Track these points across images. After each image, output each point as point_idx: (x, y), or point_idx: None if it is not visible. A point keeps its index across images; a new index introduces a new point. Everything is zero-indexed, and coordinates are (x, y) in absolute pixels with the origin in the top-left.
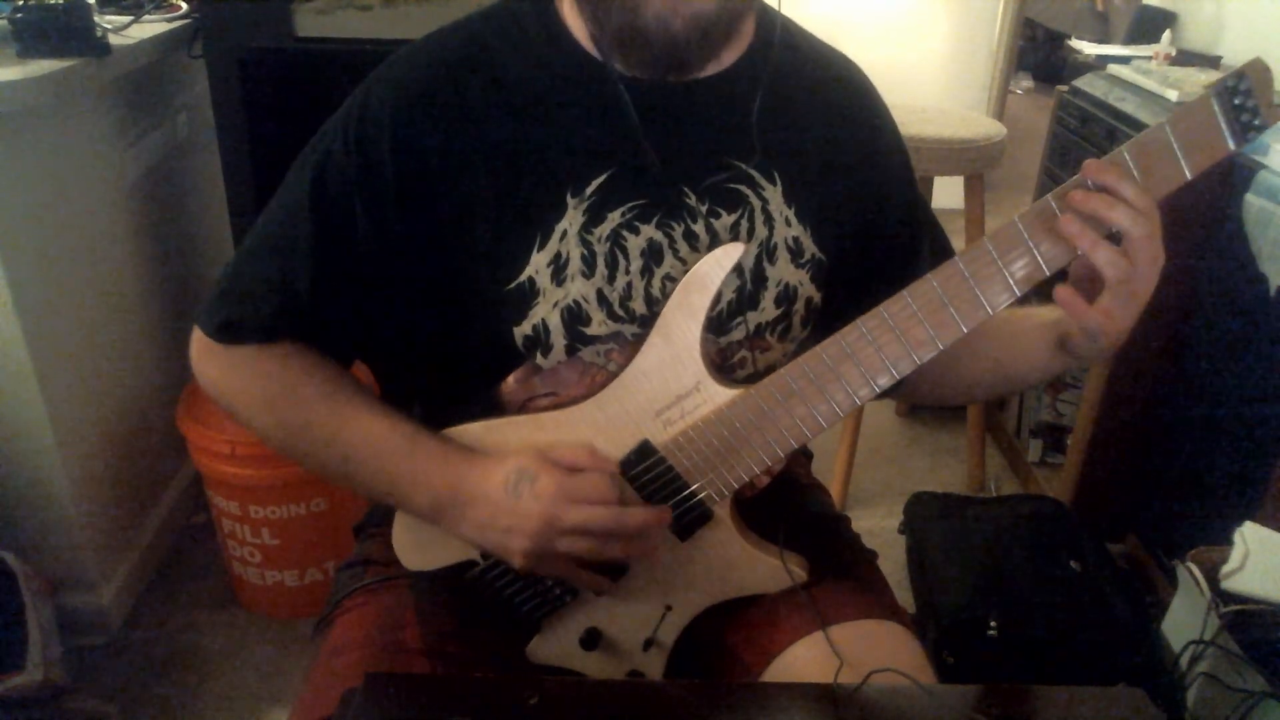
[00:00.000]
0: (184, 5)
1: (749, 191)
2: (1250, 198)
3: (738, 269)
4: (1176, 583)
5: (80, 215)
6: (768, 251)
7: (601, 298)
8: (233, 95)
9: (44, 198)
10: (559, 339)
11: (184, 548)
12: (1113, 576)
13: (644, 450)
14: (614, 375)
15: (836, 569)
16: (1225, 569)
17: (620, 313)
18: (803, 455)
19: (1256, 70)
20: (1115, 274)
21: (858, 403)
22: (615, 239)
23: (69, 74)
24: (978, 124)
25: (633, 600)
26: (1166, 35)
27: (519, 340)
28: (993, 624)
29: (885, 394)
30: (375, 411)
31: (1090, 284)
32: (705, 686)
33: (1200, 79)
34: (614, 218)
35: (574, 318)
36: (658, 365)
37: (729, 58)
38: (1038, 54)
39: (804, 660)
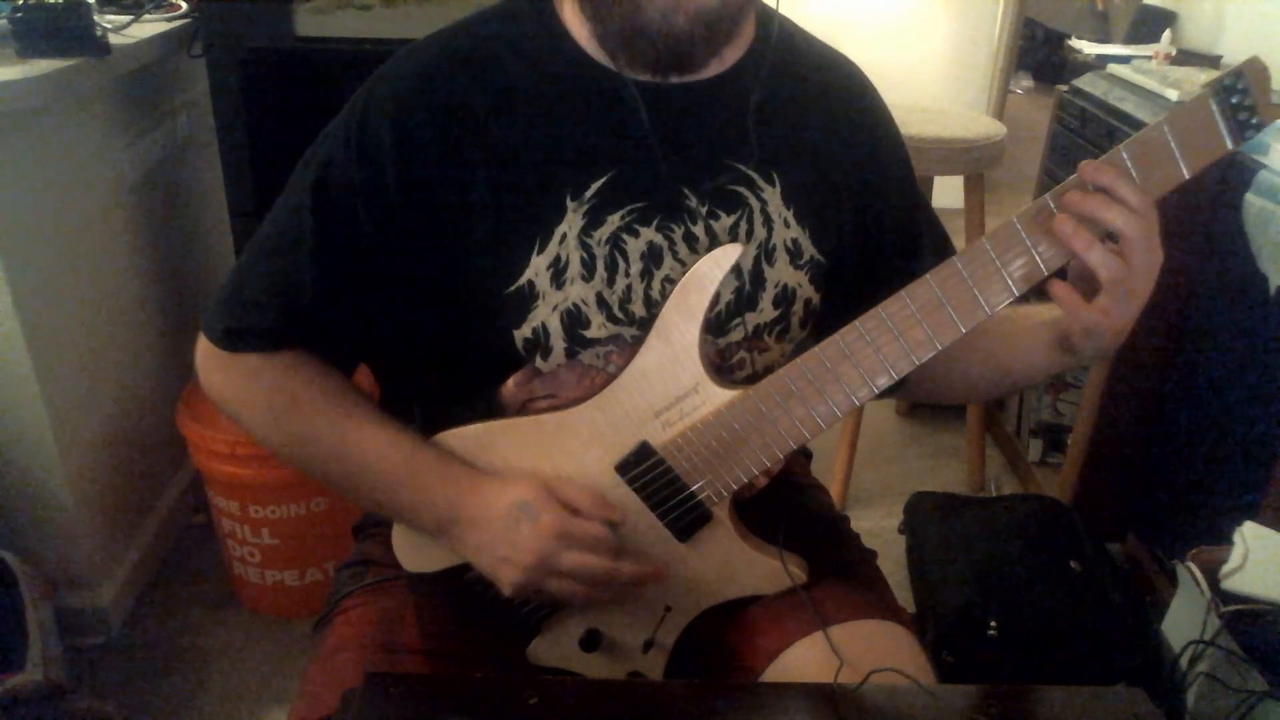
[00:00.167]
0: (184, 5)
1: (748, 193)
2: (1250, 198)
3: (736, 270)
4: (1176, 583)
5: (80, 215)
6: (766, 253)
7: (601, 301)
8: (233, 95)
9: (44, 198)
10: (559, 342)
11: (184, 548)
12: (1113, 576)
13: (643, 451)
14: (613, 377)
15: (836, 569)
16: (1225, 569)
17: (620, 315)
18: (802, 455)
19: (1254, 69)
20: (1110, 274)
21: (856, 403)
22: (615, 242)
23: (69, 74)
24: (978, 124)
25: (632, 602)
26: (1166, 35)
27: (519, 343)
28: (993, 624)
29: (885, 394)
30: (378, 426)
31: (1089, 282)
32: (705, 687)
33: (1200, 79)
34: (613, 220)
35: (574, 321)
36: (656, 366)
37: (729, 58)
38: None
39: (804, 660)
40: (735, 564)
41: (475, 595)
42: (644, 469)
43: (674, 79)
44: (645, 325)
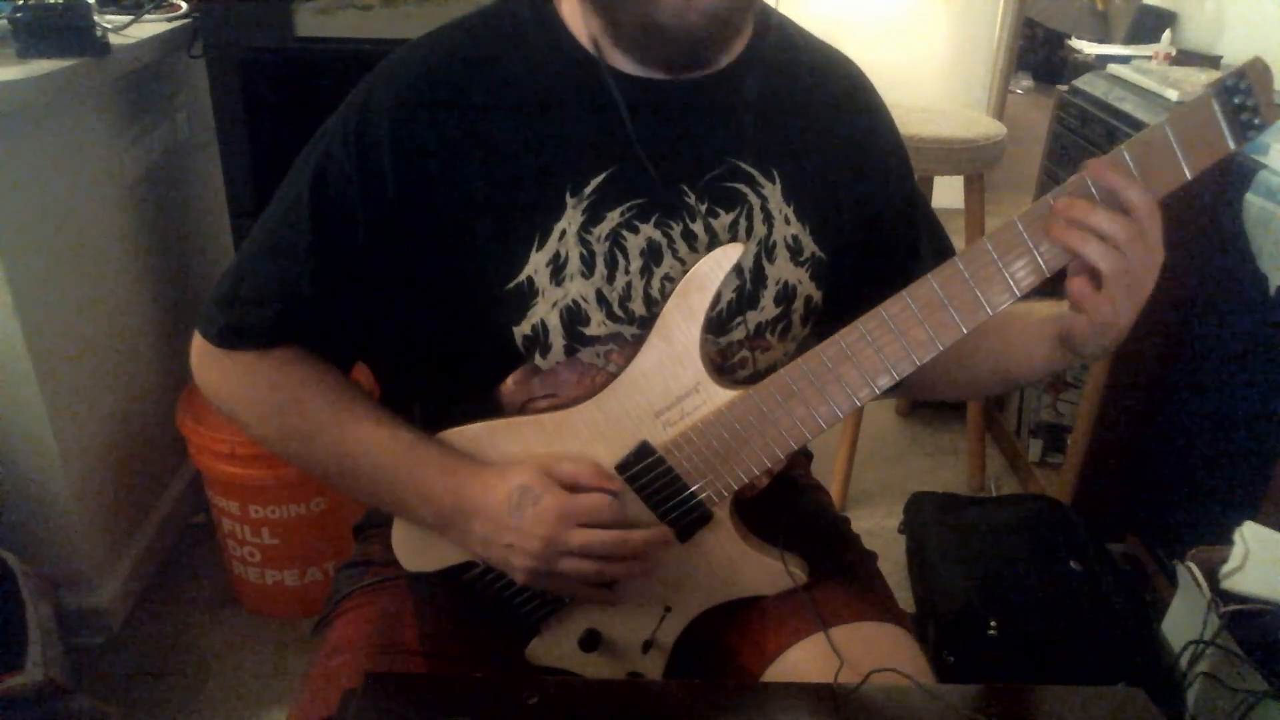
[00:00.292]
0: (184, 5)
1: (748, 190)
2: (1250, 198)
3: (737, 269)
4: (1176, 583)
5: (80, 215)
6: (767, 250)
7: (601, 298)
8: (233, 95)
9: (44, 198)
10: (558, 339)
11: (184, 548)
12: (1113, 576)
13: (643, 451)
14: (613, 376)
15: (836, 570)
16: (1225, 569)
17: (619, 313)
18: (803, 456)
19: (1256, 69)
20: (1110, 267)
21: (858, 404)
22: (614, 239)
23: (69, 74)
24: (978, 124)
25: (632, 602)
26: (1166, 35)
27: (518, 340)
28: (993, 624)
29: (887, 392)
30: (377, 421)
31: (1091, 279)
32: (704, 687)
33: (1200, 79)
34: (613, 217)
35: (573, 318)
36: (657, 366)
37: (728, 55)
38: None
39: (804, 662)
40: (736, 564)
41: (476, 593)
42: (644, 468)
43: (683, 75)
44: (645, 323)
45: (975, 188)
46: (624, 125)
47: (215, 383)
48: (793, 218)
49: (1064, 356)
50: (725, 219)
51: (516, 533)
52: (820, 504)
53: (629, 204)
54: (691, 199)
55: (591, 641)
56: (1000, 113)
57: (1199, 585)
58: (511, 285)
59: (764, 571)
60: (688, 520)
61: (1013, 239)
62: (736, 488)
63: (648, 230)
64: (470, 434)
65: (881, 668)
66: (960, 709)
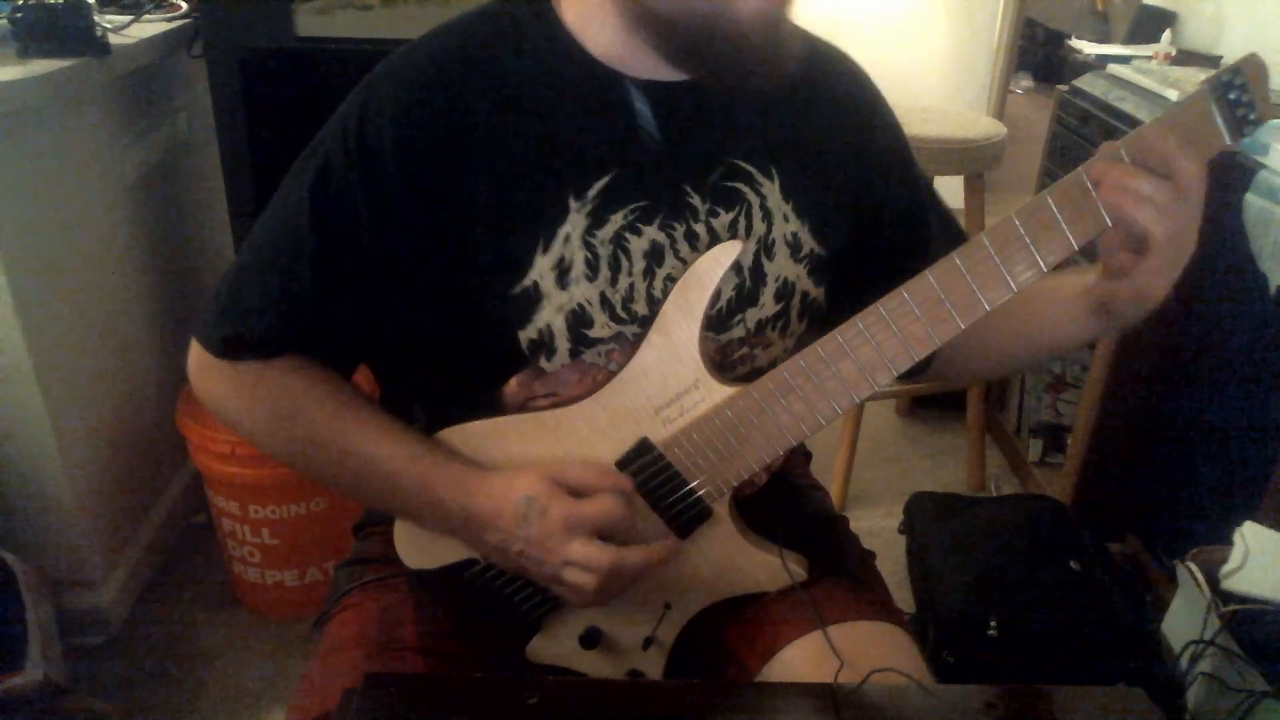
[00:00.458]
0: (184, 5)
1: (747, 189)
2: (1250, 198)
3: (736, 267)
4: (1176, 583)
5: (80, 215)
6: (766, 248)
7: (605, 300)
8: (233, 95)
9: (44, 198)
10: (563, 343)
11: (184, 548)
12: (1113, 576)
13: (642, 447)
14: (614, 374)
15: (835, 569)
16: (1225, 569)
17: (623, 315)
18: (802, 455)
19: (1251, 66)
20: (1165, 231)
21: (856, 399)
22: (618, 241)
23: (69, 74)
24: (978, 124)
25: (632, 599)
26: (1166, 35)
27: (523, 344)
28: (993, 624)
29: (912, 375)
30: (382, 430)
31: (1131, 247)
32: (703, 686)
33: (1200, 79)
34: (616, 220)
35: (578, 321)
36: (657, 363)
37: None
38: (1038, 54)
39: (801, 660)
40: (735, 561)
41: (476, 591)
42: (644, 465)
43: (683, 77)
44: (647, 324)
45: (975, 188)
46: (625, 127)
47: (216, 394)
48: (792, 215)
49: (1100, 326)
50: (725, 218)
51: (525, 543)
52: (819, 503)
53: (632, 207)
54: (694, 200)
55: (592, 639)
56: (1000, 113)
57: (1199, 585)
58: (517, 290)
59: (764, 568)
60: (688, 517)
61: (1010, 235)
62: (736, 484)
63: (651, 232)
64: (472, 432)
65: (882, 668)
66: (960, 709)
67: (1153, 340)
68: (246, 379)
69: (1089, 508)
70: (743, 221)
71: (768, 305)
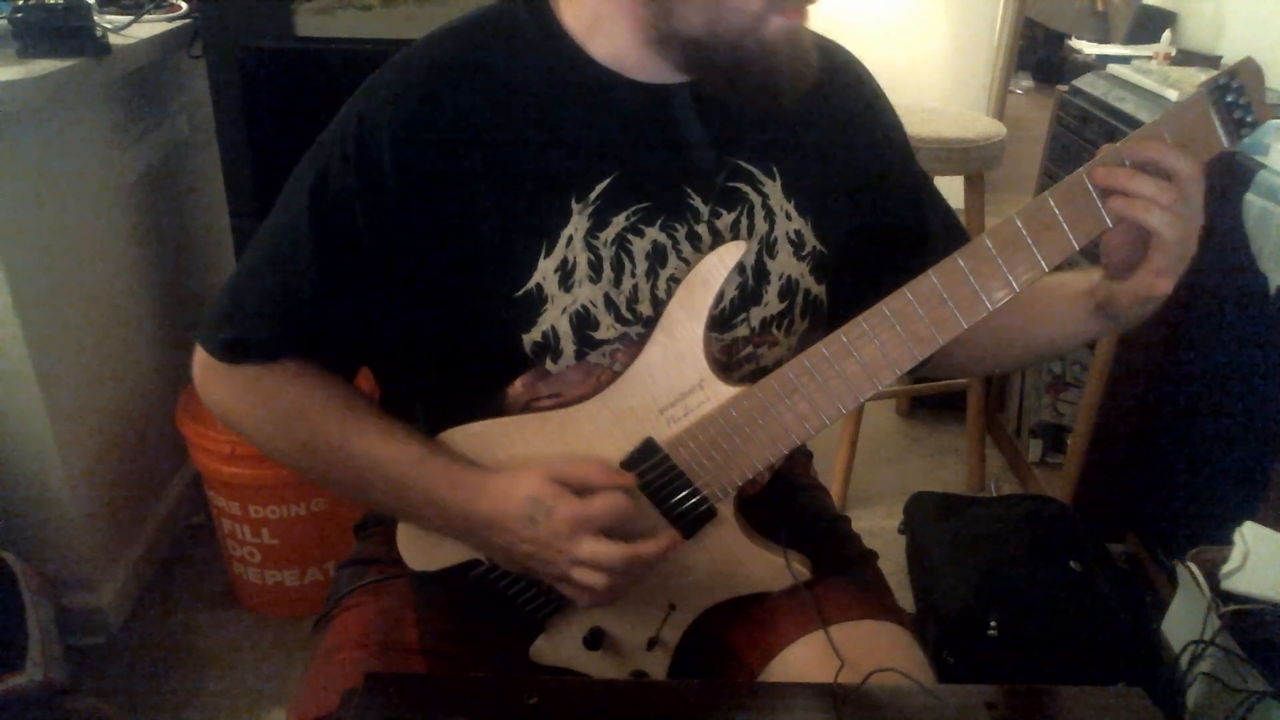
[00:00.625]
0: (184, 5)
1: (748, 188)
2: (1250, 198)
3: (739, 267)
4: (1176, 583)
5: (80, 215)
6: (768, 246)
7: (609, 302)
8: (233, 95)
9: (44, 198)
10: (568, 344)
11: (184, 548)
12: (1113, 576)
13: (647, 448)
14: (618, 374)
15: (836, 569)
16: (1225, 569)
17: (627, 315)
18: (803, 455)
19: (1248, 69)
20: (1173, 233)
21: (860, 399)
22: (621, 243)
23: (69, 74)
24: (978, 124)
25: (636, 599)
26: (1166, 35)
27: (528, 347)
28: (993, 624)
29: (915, 370)
30: (386, 434)
31: (1127, 253)
32: (704, 686)
33: (1200, 79)
34: (618, 221)
35: (583, 322)
36: (661, 363)
37: None
38: (1038, 54)
39: (804, 659)
40: (740, 561)
41: (480, 591)
42: (649, 465)
43: (683, 79)
44: (652, 324)
45: (975, 188)
46: (627, 129)
47: (220, 397)
48: (793, 213)
49: (1102, 326)
50: (727, 218)
51: (532, 543)
52: (820, 503)
53: (634, 208)
54: (695, 201)
55: (596, 640)
56: (1000, 113)
57: (1199, 585)
58: (521, 292)
59: (768, 568)
60: (692, 517)
61: (1012, 235)
62: (740, 484)
63: (653, 233)
64: (475, 432)
65: (882, 668)
66: (960, 709)
67: (1153, 340)
68: (249, 382)
69: (1089, 508)
70: (745, 221)
71: (772, 303)
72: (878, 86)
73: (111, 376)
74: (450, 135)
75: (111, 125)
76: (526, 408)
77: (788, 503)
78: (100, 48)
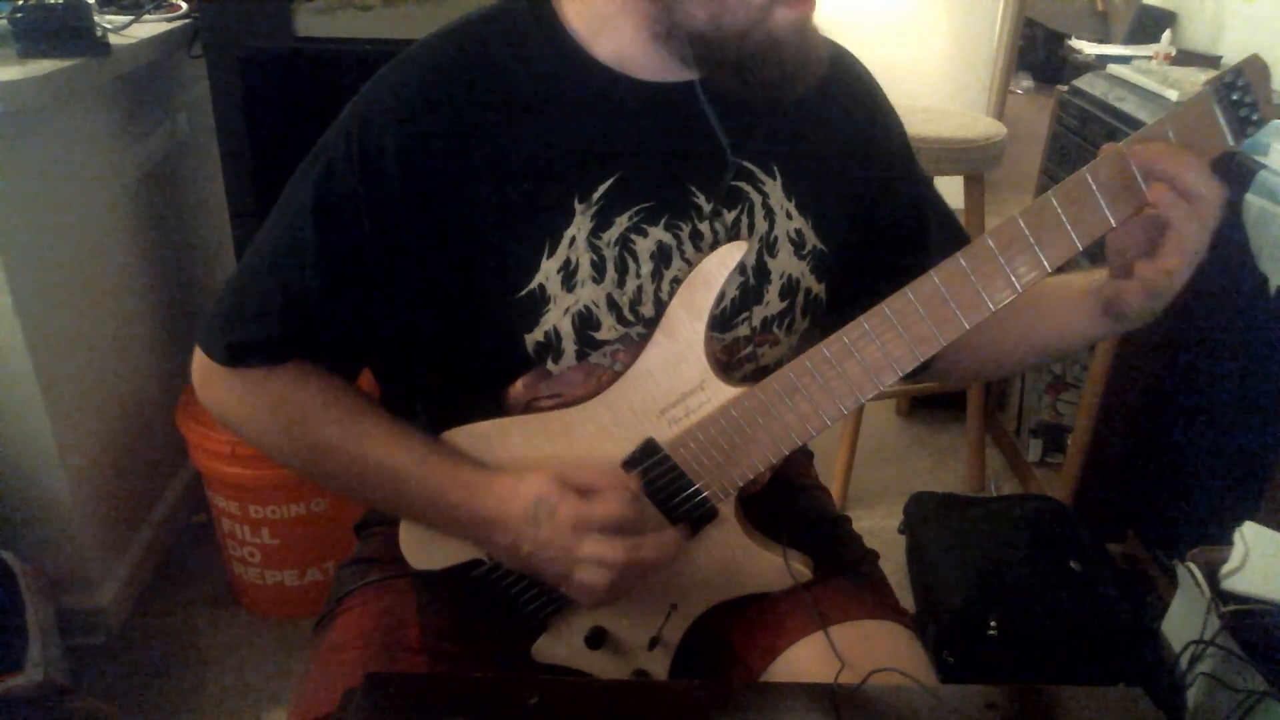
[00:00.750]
0: (184, 5)
1: (749, 187)
2: (1250, 198)
3: (740, 266)
4: (1176, 583)
5: (80, 215)
6: (768, 245)
7: (611, 302)
8: (233, 95)
9: (44, 198)
10: (570, 345)
11: (184, 548)
12: (1113, 576)
13: (648, 448)
14: (619, 375)
15: (837, 569)
16: (1225, 569)
17: (630, 317)
18: (803, 455)
19: (1254, 67)
20: (1192, 232)
21: (862, 400)
22: (624, 243)
23: (69, 74)
24: (978, 124)
25: (638, 599)
26: (1166, 35)
27: (530, 347)
28: (993, 624)
29: (917, 375)
30: (388, 435)
31: (1134, 253)
32: (704, 687)
33: (1200, 79)
34: (621, 222)
35: (585, 323)
36: (662, 364)
37: None
38: (1038, 54)
39: (806, 659)
40: (741, 562)
41: (482, 591)
42: (649, 466)
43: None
44: (653, 325)
45: (975, 188)
46: (630, 129)
47: (221, 401)
48: (794, 212)
49: (1109, 326)
50: (729, 217)
51: (535, 543)
52: (821, 503)
53: (637, 208)
54: (699, 199)
55: (598, 639)
56: (1000, 113)
57: (1199, 585)
58: (523, 293)
59: (769, 568)
60: (694, 517)
61: (1014, 235)
62: (741, 484)
63: (657, 233)
64: (477, 433)
65: (882, 668)
66: (961, 709)
67: (1153, 340)
68: (251, 385)
69: (1089, 508)
70: (745, 220)
71: (773, 302)
72: (878, 87)
73: (111, 376)
74: (453, 135)
75: (111, 125)
76: (528, 408)
77: (788, 503)
78: (100, 48)
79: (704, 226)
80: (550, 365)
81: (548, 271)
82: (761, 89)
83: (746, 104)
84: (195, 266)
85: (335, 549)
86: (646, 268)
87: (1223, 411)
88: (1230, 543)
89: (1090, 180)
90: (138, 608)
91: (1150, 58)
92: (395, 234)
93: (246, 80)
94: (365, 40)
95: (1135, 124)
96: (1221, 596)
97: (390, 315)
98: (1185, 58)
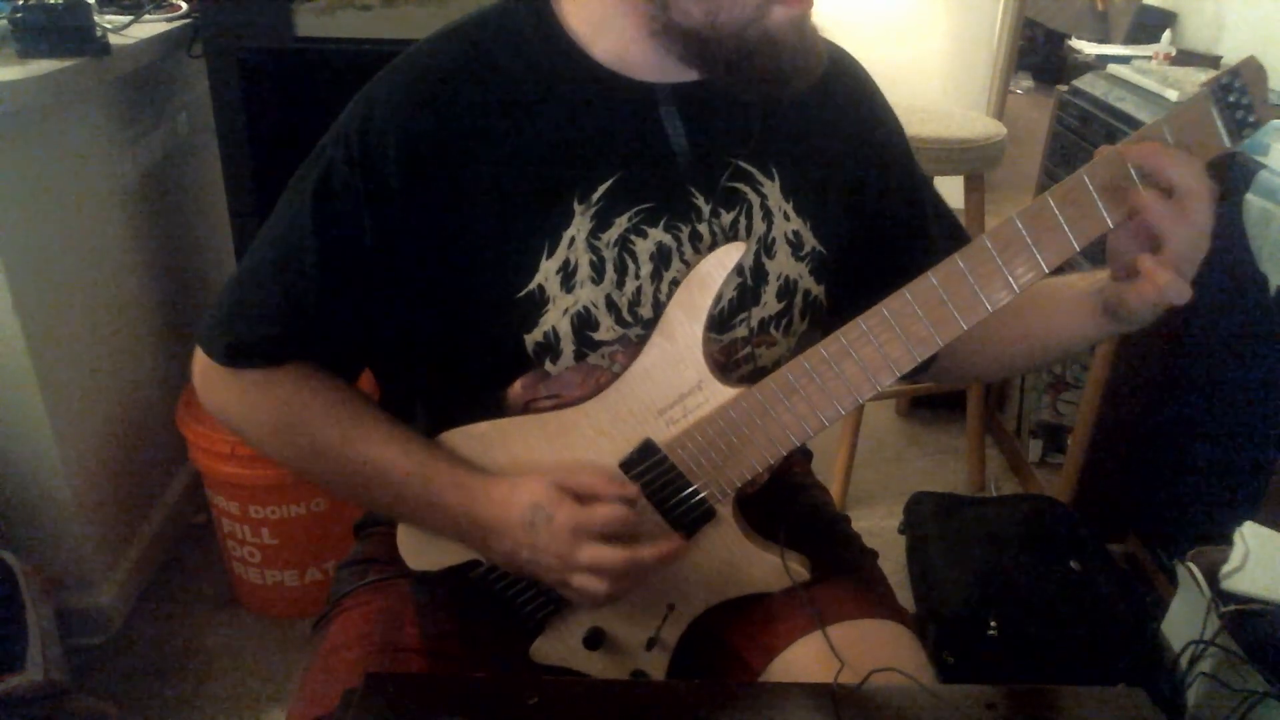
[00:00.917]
0: (184, 5)
1: (747, 188)
2: (1250, 198)
3: (738, 267)
4: (1176, 583)
5: (80, 215)
6: (766, 247)
7: (610, 303)
8: (233, 95)
9: (44, 198)
10: (568, 345)
11: (184, 548)
12: (1113, 576)
13: (646, 449)
14: (617, 376)
15: (837, 568)
16: (1225, 569)
17: (628, 318)
18: (802, 455)
19: (1250, 69)
20: (1181, 232)
21: (860, 400)
22: (623, 244)
23: (69, 74)
24: (978, 124)
25: (636, 600)
26: (1166, 35)
27: (529, 347)
28: (993, 624)
29: (916, 375)
30: (388, 437)
31: (1135, 255)
32: (704, 687)
33: (1200, 79)
34: (621, 223)
35: (583, 323)
36: (660, 364)
37: None
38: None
39: (805, 659)
40: (738, 562)
41: (480, 592)
42: (648, 466)
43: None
44: (652, 326)
45: (975, 188)
46: (630, 129)
47: (221, 401)
48: (792, 213)
49: (1109, 328)
50: (727, 218)
51: (533, 549)
52: (820, 503)
53: (637, 209)
54: (699, 200)
55: (596, 640)
56: (1000, 113)
57: (1199, 585)
58: (522, 293)
59: (767, 569)
60: (692, 517)
61: (1012, 236)
62: (739, 484)
63: (656, 234)
64: (476, 433)
65: (881, 667)
66: (960, 709)
67: (1153, 340)
68: (251, 386)
69: (1089, 508)
70: (743, 221)
71: (770, 304)
72: (877, 89)
73: (111, 376)
74: (453, 136)
75: (111, 125)
76: (526, 409)
77: (787, 503)
78: (100, 48)
79: (703, 228)
80: (549, 366)
81: (547, 272)
82: (758, 88)
83: (745, 104)
84: (195, 266)
85: (335, 549)
86: (646, 269)
87: (1223, 411)
88: (1230, 543)
89: (1088, 181)
90: (138, 608)
91: (1150, 58)
92: (395, 234)
93: (246, 80)
94: (365, 40)
95: (1135, 124)
96: (1221, 596)
97: (390, 315)
98: (1185, 58)
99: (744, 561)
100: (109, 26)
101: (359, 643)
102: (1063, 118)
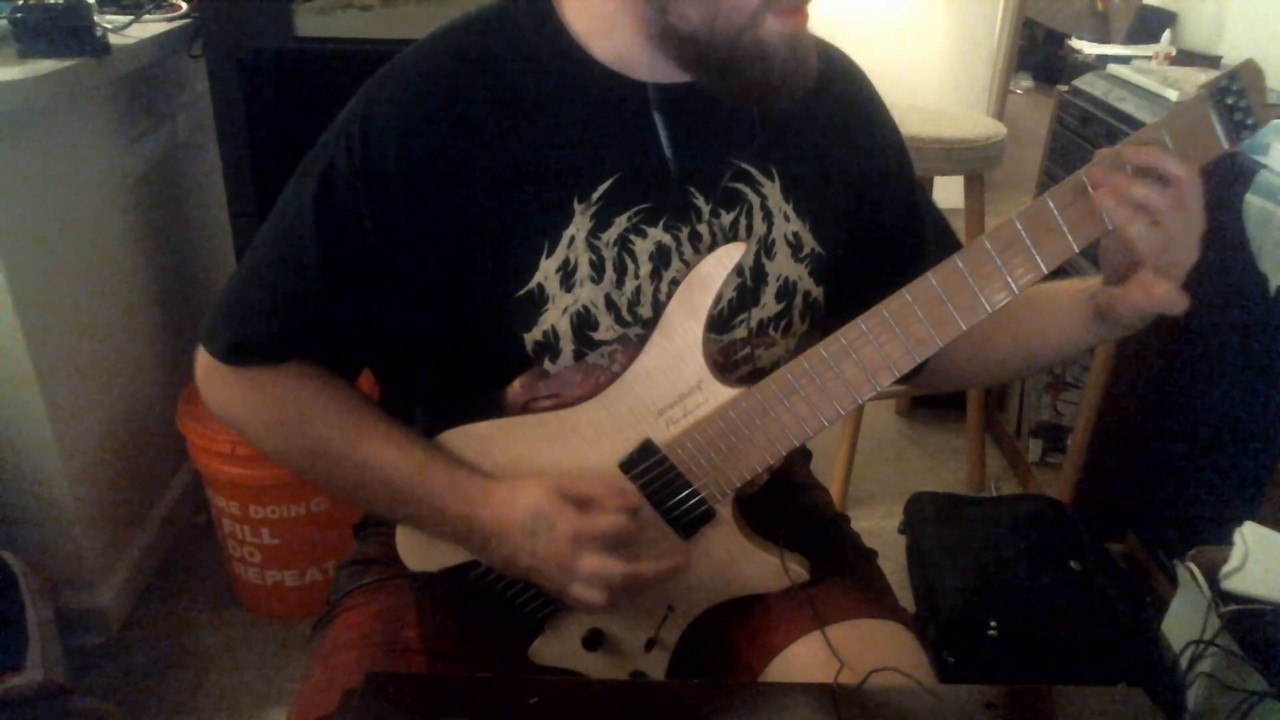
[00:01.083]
0: (184, 5)
1: (747, 189)
2: (1250, 198)
3: (737, 268)
4: (1176, 583)
5: (80, 215)
6: (766, 248)
7: (610, 303)
8: (233, 95)
9: (44, 198)
10: (567, 344)
11: (184, 548)
12: (1113, 576)
13: (646, 449)
14: (617, 376)
15: (836, 568)
16: (1225, 569)
17: (628, 317)
18: (802, 455)
19: (1249, 71)
20: (1150, 247)
21: (859, 400)
22: (623, 243)
23: (69, 74)
24: (978, 124)
25: (635, 601)
26: (1166, 35)
27: (528, 346)
28: (993, 624)
29: (910, 379)
30: (388, 439)
31: (1125, 259)
32: (704, 687)
33: (1200, 79)
34: (620, 222)
35: (583, 323)
36: (660, 364)
37: None
38: (1038, 54)
39: (804, 659)
40: (738, 563)
41: (479, 592)
42: (647, 467)
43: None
44: (651, 326)
45: (975, 188)
46: (630, 129)
47: (223, 400)
48: (792, 215)
49: (1102, 332)
50: (727, 219)
51: (533, 556)
52: (819, 502)
53: (636, 208)
54: (699, 201)
55: (595, 640)
56: (1000, 113)
57: (1199, 585)
58: (522, 292)
59: (766, 569)
60: (691, 517)
61: (1011, 237)
62: (739, 485)
63: (656, 234)
64: (476, 434)
65: (881, 667)
66: (960, 709)
67: (1153, 340)
68: (253, 385)
69: (1089, 508)
70: (743, 221)
71: (769, 305)
72: (875, 91)
73: (111, 376)
74: (453, 135)
75: (111, 125)
76: (525, 408)
77: (787, 502)
78: (100, 48)
79: (703, 228)
80: (548, 365)
81: (546, 271)
82: (749, 94)
83: (745, 107)
84: (195, 266)
85: (335, 549)
86: (645, 268)
87: (1223, 412)
88: (1230, 543)
89: (1087, 183)
90: (138, 608)
91: (1150, 58)
92: (395, 233)
93: (246, 80)
94: (365, 40)
95: (1135, 124)
96: (1221, 596)
97: (390, 314)
98: (1185, 58)
99: (743, 562)
100: (109, 26)
101: (359, 643)
102: (1063, 118)
